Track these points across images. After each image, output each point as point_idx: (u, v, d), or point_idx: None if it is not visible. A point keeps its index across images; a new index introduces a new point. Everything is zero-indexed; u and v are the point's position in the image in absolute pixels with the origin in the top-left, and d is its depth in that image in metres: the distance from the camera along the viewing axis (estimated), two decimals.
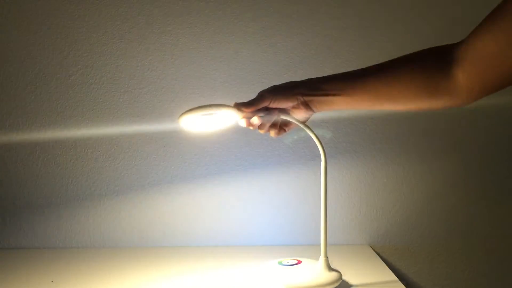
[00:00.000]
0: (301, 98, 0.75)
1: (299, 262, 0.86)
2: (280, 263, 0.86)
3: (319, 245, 0.84)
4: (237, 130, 1.11)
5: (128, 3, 1.08)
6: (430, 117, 1.11)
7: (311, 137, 0.83)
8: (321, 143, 0.83)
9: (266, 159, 1.11)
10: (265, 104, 0.76)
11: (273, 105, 0.76)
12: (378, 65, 0.74)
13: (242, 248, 1.10)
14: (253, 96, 0.78)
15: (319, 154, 0.84)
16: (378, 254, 1.08)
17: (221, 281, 0.89)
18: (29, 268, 0.97)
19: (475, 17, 0.66)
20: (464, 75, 0.65)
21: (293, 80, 0.80)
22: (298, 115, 0.79)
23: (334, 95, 0.74)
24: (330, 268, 0.83)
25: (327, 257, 0.83)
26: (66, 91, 1.10)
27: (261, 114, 0.78)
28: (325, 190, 0.83)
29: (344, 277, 0.86)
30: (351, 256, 1.03)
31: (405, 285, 0.84)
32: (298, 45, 1.10)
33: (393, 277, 0.90)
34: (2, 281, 0.89)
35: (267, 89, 0.77)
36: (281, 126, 0.83)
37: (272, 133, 0.82)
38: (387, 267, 0.96)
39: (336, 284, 0.82)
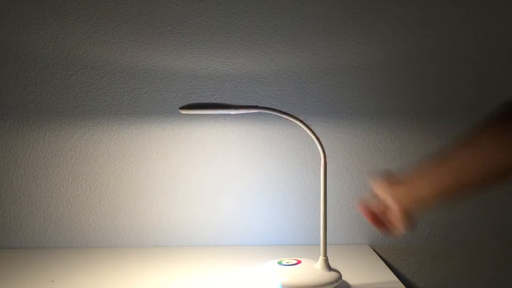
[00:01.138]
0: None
1: (298, 262, 0.86)
2: (279, 263, 0.87)
3: (319, 245, 0.84)
4: (236, 130, 1.11)
5: (128, 3, 1.09)
6: (430, 117, 1.11)
7: (311, 137, 0.83)
8: (320, 143, 0.83)
9: (266, 159, 1.11)
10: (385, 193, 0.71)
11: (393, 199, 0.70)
12: (466, 140, 0.66)
13: (242, 248, 1.10)
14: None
15: (319, 154, 0.84)
16: (378, 254, 1.08)
17: (220, 281, 0.89)
18: (29, 268, 0.97)
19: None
20: None
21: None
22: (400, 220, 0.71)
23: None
24: (330, 268, 0.84)
25: (326, 257, 0.84)
26: (66, 91, 1.10)
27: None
28: (324, 190, 0.83)
29: (344, 277, 0.86)
30: (351, 256, 1.03)
31: (405, 285, 0.84)
32: (298, 45, 1.10)
33: (393, 277, 0.90)
34: (2, 281, 0.89)
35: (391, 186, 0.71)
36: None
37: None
38: (387, 267, 0.96)
39: (336, 284, 0.82)
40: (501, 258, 1.13)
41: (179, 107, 0.84)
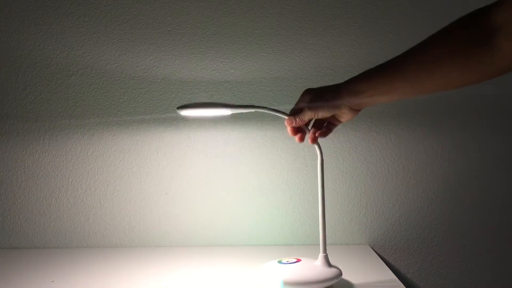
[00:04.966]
0: (346, 108, 0.74)
1: (298, 260, 0.85)
2: (280, 262, 0.86)
3: (319, 245, 0.84)
4: (236, 130, 1.11)
5: (128, 3, 1.09)
6: (430, 117, 1.11)
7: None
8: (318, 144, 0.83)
9: (266, 159, 1.11)
10: (308, 118, 0.77)
11: (316, 117, 0.77)
12: (414, 49, 0.68)
13: (242, 248, 1.10)
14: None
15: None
16: (378, 254, 1.08)
17: (221, 281, 0.89)
18: (29, 268, 0.97)
19: None
20: (508, 42, 0.58)
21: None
22: (343, 118, 0.78)
23: (377, 94, 0.71)
24: (330, 265, 0.83)
25: (326, 253, 0.83)
26: (66, 91, 1.10)
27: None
28: (322, 185, 0.83)
29: (344, 277, 0.86)
30: (351, 256, 1.03)
31: (405, 285, 0.84)
32: (298, 45, 1.10)
33: (393, 277, 0.90)
34: (2, 281, 0.89)
35: (308, 103, 0.76)
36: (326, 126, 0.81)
37: (319, 133, 0.80)
38: (387, 267, 0.96)
39: (336, 280, 0.81)
40: (501, 258, 1.13)
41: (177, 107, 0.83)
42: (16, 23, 1.08)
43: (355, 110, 0.75)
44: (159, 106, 1.10)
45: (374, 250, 1.10)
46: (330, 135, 1.10)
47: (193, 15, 1.09)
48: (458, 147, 1.12)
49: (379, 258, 1.02)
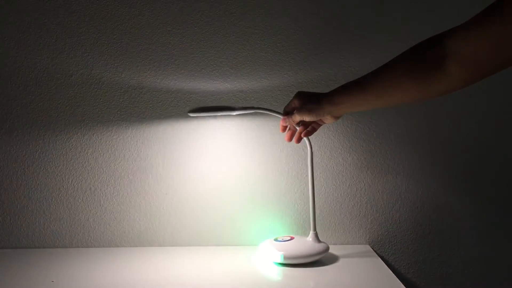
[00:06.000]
0: (328, 115, 0.87)
1: (292, 238, 1.00)
2: (276, 239, 0.99)
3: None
4: (236, 130, 1.11)
5: (128, 3, 1.09)
6: (430, 117, 1.11)
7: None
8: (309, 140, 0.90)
9: (265, 159, 1.11)
10: (297, 120, 0.91)
11: (304, 120, 0.90)
12: (381, 68, 0.78)
13: (242, 248, 1.10)
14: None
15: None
16: (378, 254, 1.08)
17: (221, 281, 0.89)
18: (29, 268, 0.97)
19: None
20: (457, 68, 0.66)
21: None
22: (326, 121, 0.91)
23: (353, 105, 0.83)
24: (319, 241, 0.97)
25: (316, 231, 0.97)
26: (66, 91, 1.10)
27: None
28: (311, 168, 0.95)
29: (344, 277, 0.87)
30: (351, 256, 1.03)
31: (405, 285, 0.84)
32: (299, 44, 1.10)
33: (393, 277, 0.90)
34: (2, 281, 0.89)
35: (298, 109, 0.89)
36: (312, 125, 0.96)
37: (304, 133, 0.95)
38: (387, 267, 0.96)
39: (324, 254, 0.95)
40: (502, 258, 1.13)
41: (187, 111, 0.93)
42: (16, 23, 1.08)
43: (336, 116, 0.88)
44: (159, 106, 1.10)
45: (374, 250, 1.10)
46: (330, 135, 1.11)
47: (193, 15, 1.09)
48: (458, 146, 1.12)
49: (379, 258, 1.02)
